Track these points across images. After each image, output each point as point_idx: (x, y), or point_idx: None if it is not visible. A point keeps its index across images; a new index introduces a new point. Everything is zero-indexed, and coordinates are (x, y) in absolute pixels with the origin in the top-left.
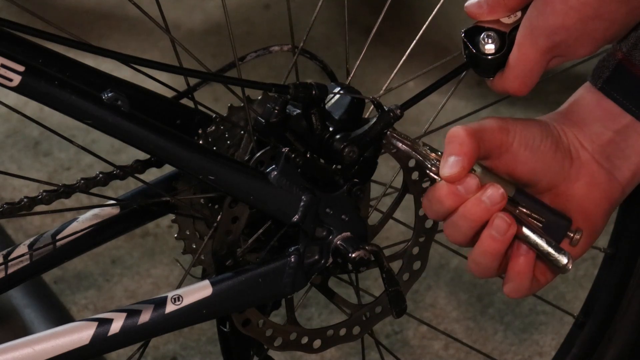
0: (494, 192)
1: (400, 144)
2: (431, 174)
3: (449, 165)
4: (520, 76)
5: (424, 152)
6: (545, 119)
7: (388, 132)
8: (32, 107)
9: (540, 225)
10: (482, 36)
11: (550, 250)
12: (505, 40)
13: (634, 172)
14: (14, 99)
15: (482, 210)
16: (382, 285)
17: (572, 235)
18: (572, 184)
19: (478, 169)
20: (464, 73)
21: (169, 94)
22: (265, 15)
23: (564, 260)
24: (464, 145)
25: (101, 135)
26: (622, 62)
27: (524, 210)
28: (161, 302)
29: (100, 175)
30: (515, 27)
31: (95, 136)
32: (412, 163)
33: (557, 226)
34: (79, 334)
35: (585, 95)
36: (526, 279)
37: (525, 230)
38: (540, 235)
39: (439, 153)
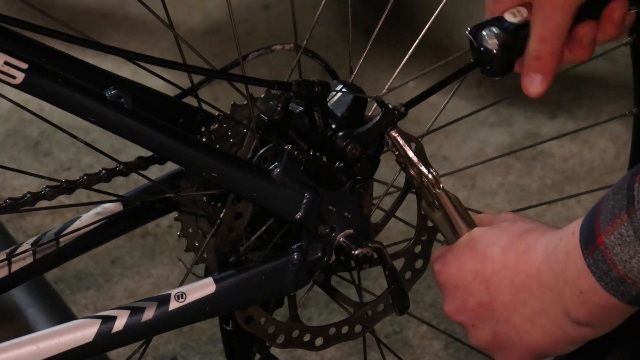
0: None
1: (402, 144)
2: (429, 178)
3: None
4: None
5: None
6: None
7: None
8: (32, 106)
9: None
10: (485, 32)
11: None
12: (510, 38)
13: None
14: (14, 98)
15: None
16: (383, 285)
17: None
18: None
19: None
20: (468, 73)
21: (172, 92)
22: (265, 15)
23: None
24: None
25: (101, 135)
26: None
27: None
28: (165, 300)
29: (103, 171)
30: (522, 25)
31: (96, 136)
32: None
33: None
34: (82, 332)
35: None
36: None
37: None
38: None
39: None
